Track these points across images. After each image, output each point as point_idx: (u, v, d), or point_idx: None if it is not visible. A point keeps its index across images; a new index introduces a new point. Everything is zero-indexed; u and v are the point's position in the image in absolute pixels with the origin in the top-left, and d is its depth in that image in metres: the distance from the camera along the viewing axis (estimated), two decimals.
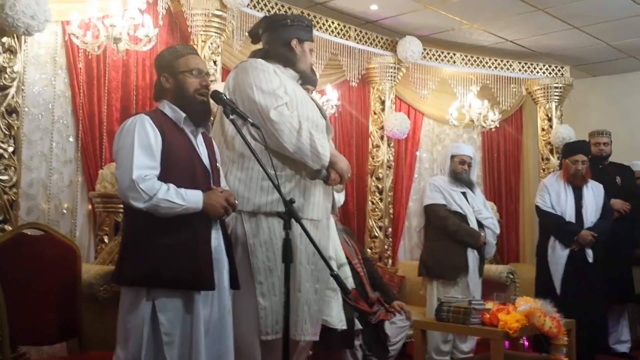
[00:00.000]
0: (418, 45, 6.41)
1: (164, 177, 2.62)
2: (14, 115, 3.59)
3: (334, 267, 3.49)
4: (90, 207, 4.47)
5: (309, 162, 3.00)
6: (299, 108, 3.08)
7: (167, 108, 2.78)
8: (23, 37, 3.64)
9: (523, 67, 7.26)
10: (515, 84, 7.28)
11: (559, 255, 5.14)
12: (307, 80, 3.28)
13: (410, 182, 6.93)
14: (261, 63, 3.11)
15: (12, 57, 3.58)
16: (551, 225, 5.24)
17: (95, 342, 3.27)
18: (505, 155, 7.54)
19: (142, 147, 2.60)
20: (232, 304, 2.87)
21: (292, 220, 2.53)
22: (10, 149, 3.57)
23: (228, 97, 2.88)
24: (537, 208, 5.35)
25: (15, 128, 3.61)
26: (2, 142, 3.54)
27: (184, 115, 2.76)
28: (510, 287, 5.66)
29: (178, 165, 2.67)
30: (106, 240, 4.28)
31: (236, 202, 2.82)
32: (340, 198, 3.51)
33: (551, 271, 5.14)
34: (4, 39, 3.56)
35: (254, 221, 2.99)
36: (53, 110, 4.36)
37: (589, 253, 5.12)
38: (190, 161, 2.73)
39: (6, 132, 3.56)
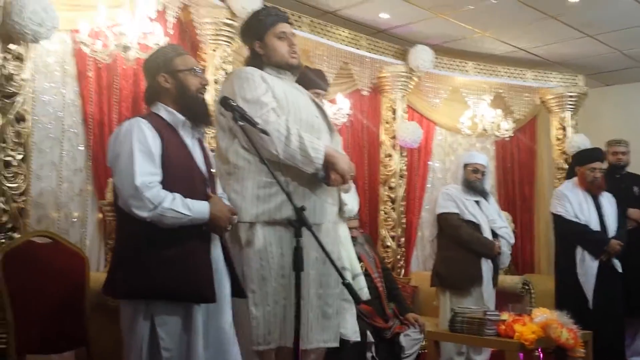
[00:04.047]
0: (429, 54, 6.37)
1: (162, 183, 2.53)
2: (22, 122, 3.59)
3: (348, 276, 3.40)
4: (100, 215, 4.45)
5: (301, 167, 2.89)
6: (291, 110, 2.98)
7: (164, 111, 2.70)
8: (31, 44, 3.63)
9: (536, 76, 7.21)
10: (528, 93, 7.24)
11: (589, 266, 4.98)
12: (284, 67, 3.10)
13: (423, 192, 6.88)
14: (245, 71, 3.02)
15: (20, 64, 3.58)
16: (578, 235, 5.10)
17: (106, 351, 3.26)
18: (519, 165, 7.47)
19: (142, 153, 2.51)
20: (232, 314, 2.79)
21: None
22: (19, 157, 3.57)
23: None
24: (560, 217, 5.19)
25: (25, 136, 3.61)
26: (12, 150, 3.54)
27: (182, 118, 2.69)
28: (525, 298, 5.57)
29: (176, 171, 2.58)
30: None
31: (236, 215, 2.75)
32: (351, 200, 3.42)
33: (581, 283, 4.98)
34: (11, 46, 3.56)
35: (250, 231, 2.90)
36: (63, 119, 4.35)
37: (617, 263, 5.01)
38: (188, 167, 2.65)
39: (15, 140, 3.55)
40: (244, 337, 2.85)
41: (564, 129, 7.23)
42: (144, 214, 2.46)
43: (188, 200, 2.53)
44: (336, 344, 3.07)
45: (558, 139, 7.26)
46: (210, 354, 2.60)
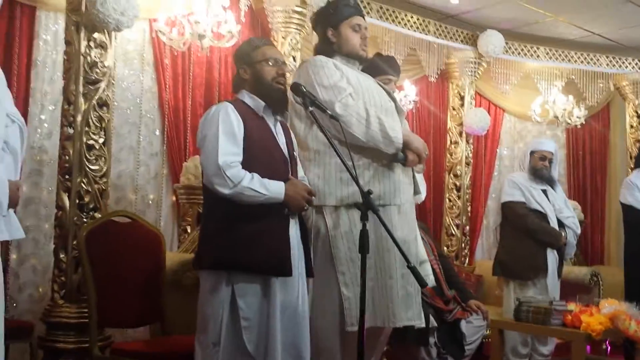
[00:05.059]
0: (500, 39, 6.27)
1: (244, 164, 2.68)
2: (104, 108, 3.75)
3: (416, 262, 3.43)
4: (174, 198, 4.64)
5: (383, 148, 2.98)
6: (365, 95, 3.07)
7: (247, 97, 2.86)
8: (113, 33, 3.79)
9: (611, 61, 6.99)
10: (602, 79, 7.03)
11: None
12: (354, 57, 3.18)
13: (490, 180, 6.82)
14: (319, 59, 3.11)
15: (102, 52, 3.73)
16: None
17: (178, 327, 3.37)
18: (591, 153, 7.29)
19: (226, 134, 2.68)
20: (314, 294, 2.92)
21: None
22: (101, 140, 3.72)
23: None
24: (630, 207, 5.07)
25: (106, 121, 3.77)
26: (94, 134, 3.70)
27: (263, 103, 2.83)
28: (593, 290, 5.46)
29: (258, 153, 2.73)
30: (189, 230, 4.43)
31: (314, 196, 2.84)
32: (422, 181, 3.45)
33: None
34: (95, 35, 3.71)
35: (336, 214, 3.00)
36: (141, 104, 4.54)
37: None
38: (270, 149, 2.79)
39: (97, 124, 3.71)
40: (329, 318, 2.95)
41: (639, 116, 7.02)
42: (225, 191, 2.63)
43: (265, 180, 2.67)
44: (420, 322, 3.13)
45: (632, 127, 7.06)
46: (285, 325, 2.73)
